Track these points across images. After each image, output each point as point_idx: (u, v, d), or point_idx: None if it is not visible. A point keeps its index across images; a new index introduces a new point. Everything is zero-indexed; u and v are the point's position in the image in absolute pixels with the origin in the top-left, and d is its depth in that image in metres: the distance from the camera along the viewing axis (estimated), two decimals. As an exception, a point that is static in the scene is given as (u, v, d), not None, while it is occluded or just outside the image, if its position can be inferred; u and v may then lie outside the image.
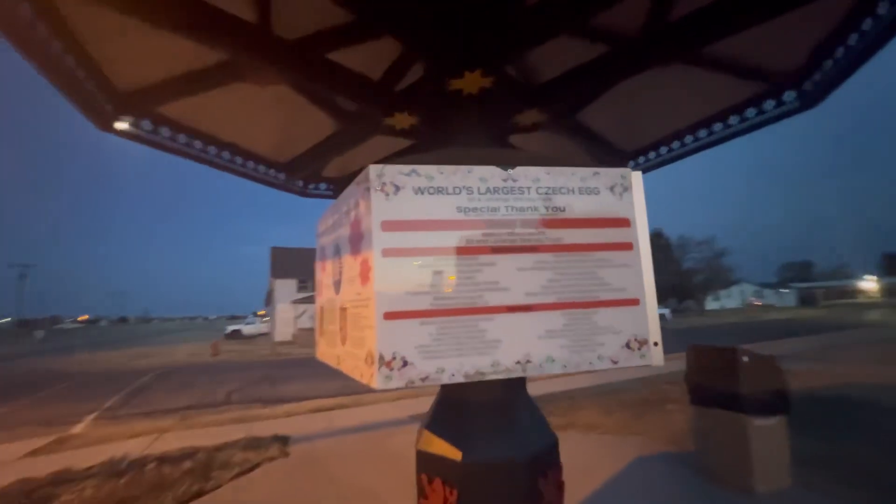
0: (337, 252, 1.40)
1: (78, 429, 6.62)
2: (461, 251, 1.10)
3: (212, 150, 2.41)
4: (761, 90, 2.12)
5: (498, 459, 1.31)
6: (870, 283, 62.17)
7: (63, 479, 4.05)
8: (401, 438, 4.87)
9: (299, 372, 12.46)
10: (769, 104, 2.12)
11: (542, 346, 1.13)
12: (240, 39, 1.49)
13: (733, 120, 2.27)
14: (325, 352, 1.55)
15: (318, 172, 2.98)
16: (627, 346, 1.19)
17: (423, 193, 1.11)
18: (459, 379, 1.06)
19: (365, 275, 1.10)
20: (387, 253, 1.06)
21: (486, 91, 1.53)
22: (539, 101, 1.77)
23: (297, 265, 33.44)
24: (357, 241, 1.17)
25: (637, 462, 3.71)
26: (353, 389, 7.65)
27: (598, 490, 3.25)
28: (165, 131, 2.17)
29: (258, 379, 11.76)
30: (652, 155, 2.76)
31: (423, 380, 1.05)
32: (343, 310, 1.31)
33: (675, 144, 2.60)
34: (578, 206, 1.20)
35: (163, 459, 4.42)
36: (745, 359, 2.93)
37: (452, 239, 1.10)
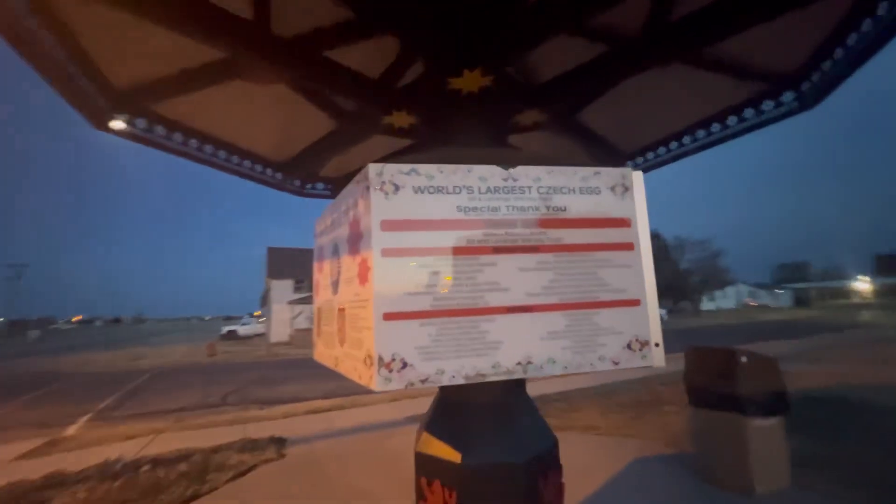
0: (335, 252, 1.38)
1: (71, 430, 6.55)
2: (461, 251, 1.09)
3: (208, 148, 2.39)
4: (760, 91, 2.13)
5: (498, 461, 1.30)
6: (863, 284, 62.77)
7: (56, 482, 4.00)
8: (399, 440, 4.85)
9: (296, 373, 12.40)
10: (767, 105, 2.12)
11: (543, 347, 1.11)
12: (237, 36, 1.48)
13: (731, 121, 2.27)
14: (323, 353, 1.53)
15: (315, 172, 2.96)
16: (629, 347, 1.18)
17: (423, 193, 1.10)
18: (460, 381, 1.05)
19: (364, 275, 1.09)
20: (386, 253, 1.05)
21: (485, 90, 1.52)
22: (539, 101, 1.77)
23: (293, 266, 33.33)
24: (356, 240, 1.15)
25: (636, 463, 3.71)
26: (350, 390, 7.62)
27: (597, 491, 3.25)
28: (161, 130, 2.15)
29: (254, 380, 11.69)
30: (650, 155, 2.76)
31: (422, 381, 1.03)
32: (341, 310, 1.29)
33: (674, 145, 2.61)
34: (579, 205, 1.19)
35: (157, 462, 4.38)
36: (744, 360, 2.94)
37: (453, 239, 1.09)
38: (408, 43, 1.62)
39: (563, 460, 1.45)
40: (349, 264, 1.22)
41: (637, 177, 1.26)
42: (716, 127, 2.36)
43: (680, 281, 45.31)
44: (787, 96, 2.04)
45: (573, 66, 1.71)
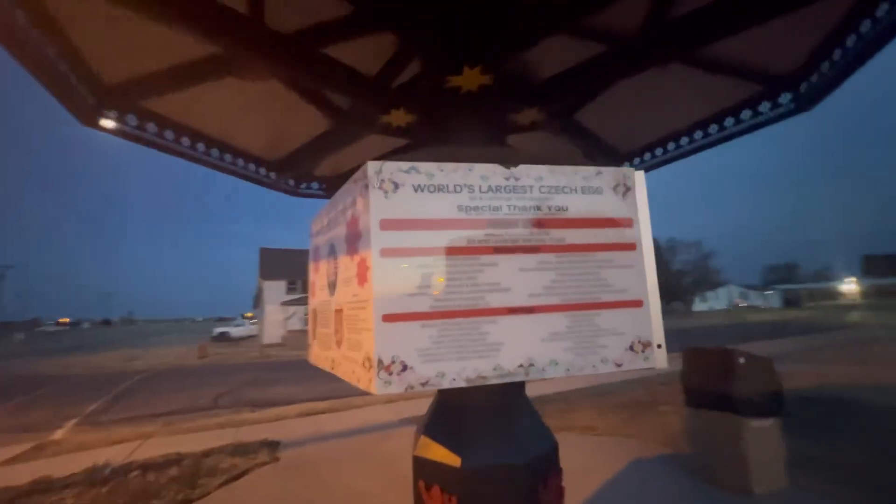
0: (332, 252, 1.35)
1: (58, 435, 6.41)
2: (462, 251, 1.07)
3: (200, 146, 2.34)
4: (757, 92, 2.14)
5: (498, 465, 1.28)
6: (851, 285, 63.89)
7: (42, 487, 3.90)
8: (395, 442, 4.81)
9: (289, 375, 12.29)
10: (765, 106, 2.13)
11: (544, 348, 1.10)
12: (231, 31, 1.44)
13: (729, 122, 2.28)
14: (319, 355, 1.50)
15: (310, 171, 2.92)
16: (631, 348, 1.17)
17: (423, 191, 1.07)
18: (461, 383, 1.03)
19: (362, 275, 1.06)
20: (385, 253, 1.02)
21: (484, 88, 1.50)
22: (537, 100, 1.75)
23: (286, 266, 33.12)
24: (354, 240, 1.13)
25: (634, 464, 3.71)
26: (344, 392, 7.56)
27: (596, 492, 3.24)
28: (152, 127, 2.10)
29: (247, 382, 11.56)
30: (647, 156, 2.76)
31: (423, 384, 1.01)
32: (338, 312, 1.27)
33: (671, 146, 2.61)
34: (581, 205, 1.18)
35: (147, 466, 4.29)
36: (742, 360, 2.95)
37: (453, 238, 1.07)
38: (407, 40, 1.60)
39: (561, 461, 1.43)
40: (347, 264, 1.19)
41: (639, 177, 1.25)
42: (713, 128, 2.36)
43: (672, 282, 45.76)
44: (785, 97, 2.05)
45: (572, 65, 1.70)
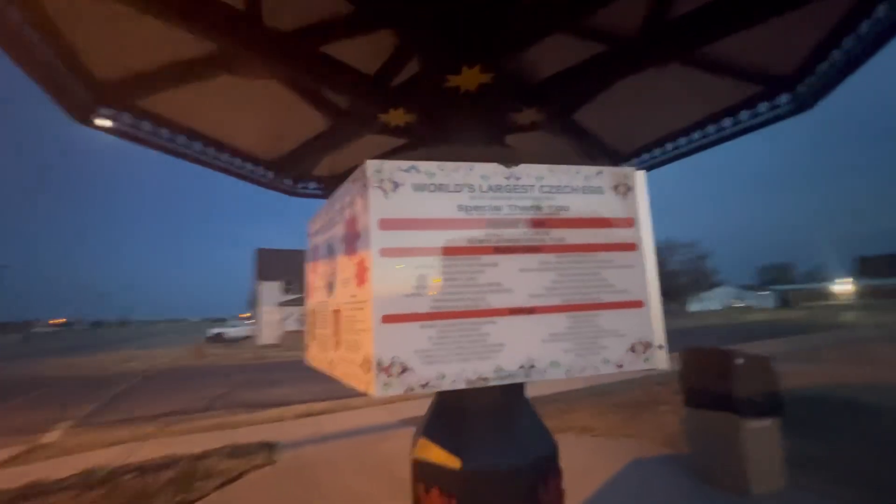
0: (330, 252, 1.34)
1: (52, 437, 6.34)
2: (463, 251, 1.06)
3: (196, 146, 2.32)
4: (755, 93, 2.14)
5: (499, 467, 1.27)
6: (845, 286, 64.40)
7: (35, 491, 3.86)
8: (393, 443, 4.79)
9: (285, 376, 12.23)
10: (763, 107, 2.13)
11: (545, 349, 1.09)
12: (227, 29, 1.42)
13: (727, 122, 2.28)
14: (317, 356, 1.49)
15: (307, 171, 2.90)
16: (632, 349, 1.17)
17: (423, 191, 1.06)
18: (461, 385, 1.02)
19: (361, 276, 1.05)
20: (385, 253, 1.01)
21: (484, 88, 1.49)
22: (537, 100, 1.75)
23: (282, 267, 33.00)
24: (353, 240, 1.11)
25: (633, 464, 3.71)
26: (341, 393, 7.52)
27: (595, 493, 3.24)
28: (147, 125, 2.07)
29: (243, 383, 11.50)
30: (646, 156, 2.76)
31: (423, 386, 1.00)
32: (337, 312, 1.25)
33: (669, 146, 2.61)
34: (582, 205, 1.17)
35: (142, 469, 4.26)
36: (740, 361, 2.96)
37: (453, 238, 1.05)
38: (407, 38, 1.59)
39: (561, 462, 1.42)
40: (345, 265, 1.18)
41: (640, 176, 1.25)
42: (711, 128, 2.36)
43: (667, 282, 45.93)
44: (783, 98, 2.05)
45: (571, 65, 1.69)
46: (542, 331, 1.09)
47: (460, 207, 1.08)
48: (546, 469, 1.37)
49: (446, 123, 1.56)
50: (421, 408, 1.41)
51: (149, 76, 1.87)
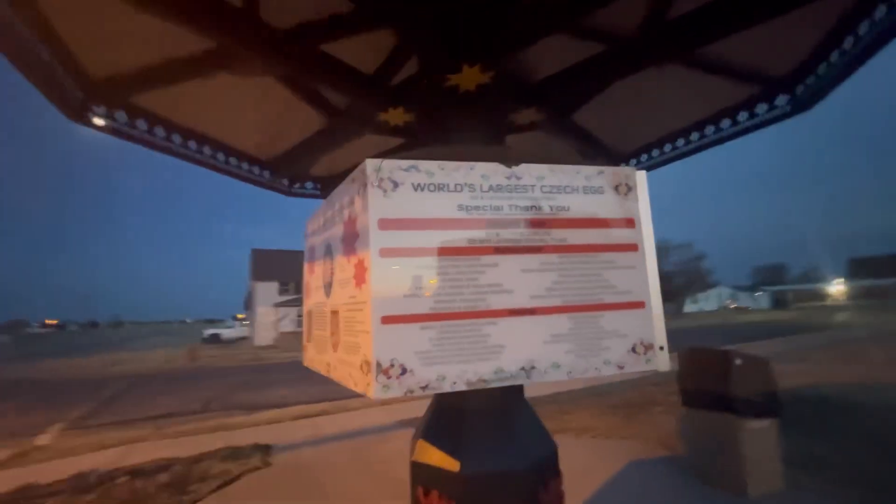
0: (328, 252, 1.32)
1: (44, 440, 6.25)
2: (463, 251, 1.04)
3: (192, 145, 2.29)
4: (754, 94, 2.14)
5: (498, 469, 1.26)
6: (837, 287, 65.15)
7: (26, 495, 3.80)
8: (391, 445, 4.77)
9: (281, 377, 12.17)
10: (761, 108, 2.14)
11: (546, 351, 1.08)
12: (224, 25, 1.40)
13: (725, 123, 2.28)
14: (314, 358, 1.47)
15: (304, 171, 2.88)
16: (633, 350, 1.16)
17: (423, 190, 1.05)
18: (461, 387, 1.00)
19: (360, 276, 1.03)
20: (384, 253, 0.99)
21: (483, 87, 1.48)
22: (536, 100, 1.74)
23: (278, 267, 32.88)
24: (351, 240, 1.10)
25: (631, 466, 3.71)
26: (338, 394, 7.49)
27: (594, 495, 3.23)
28: (142, 124, 2.04)
29: (238, 384, 11.42)
30: (644, 157, 2.77)
31: (423, 388, 0.98)
32: (335, 313, 1.24)
33: (667, 147, 2.62)
34: (583, 205, 1.17)
35: (136, 472, 4.20)
36: (739, 361, 2.96)
37: (454, 238, 1.04)
38: (407, 37, 1.57)
39: (559, 464, 1.41)
40: (344, 265, 1.16)
41: (640, 176, 1.24)
42: (710, 129, 2.37)
43: (663, 283, 46.01)
44: (781, 99, 2.06)
45: (571, 65, 1.68)
46: (543, 332, 1.08)
47: (460, 207, 1.06)
48: (546, 471, 1.35)
49: (445, 123, 1.55)
50: (419, 409, 1.39)
51: (143, 73, 1.84)
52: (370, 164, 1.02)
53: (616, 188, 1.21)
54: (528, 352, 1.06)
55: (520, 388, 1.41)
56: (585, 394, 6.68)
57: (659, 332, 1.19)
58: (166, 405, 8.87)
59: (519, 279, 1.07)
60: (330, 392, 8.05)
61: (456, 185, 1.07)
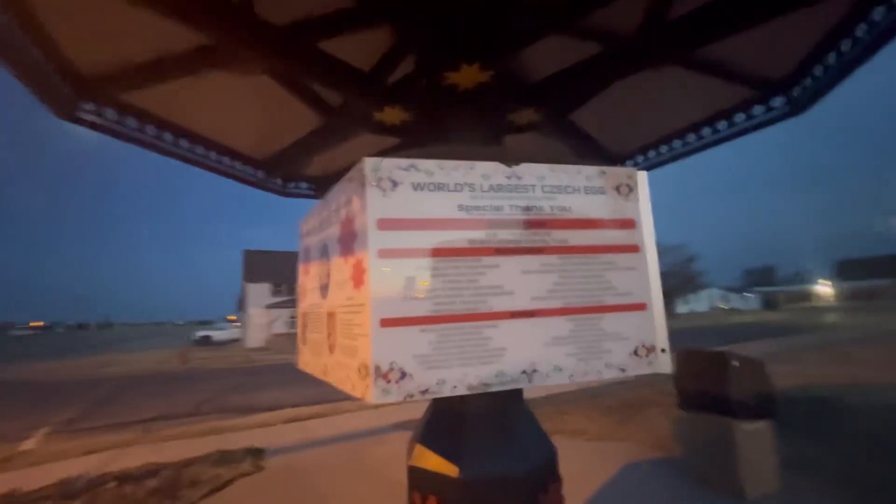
0: (324, 253, 1.29)
1: (30, 444, 6.11)
2: (463, 252, 1.02)
3: (184, 143, 2.24)
4: (751, 95, 2.15)
5: (498, 474, 1.24)
6: (825, 288, 66.27)
7: (11, 501, 3.70)
8: (386, 448, 4.72)
9: (274, 379, 12.04)
10: (758, 109, 2.15)
11: (548, 354, 1.06)
12: (218, 20, 1.37)
13: (722, 125, 2.29)
14: (310, 362, 1.44)
15: (299, 171, 2.84)
16: (635, 353, 1.14)
17: (422, 190, 1.03)
18: (462, 391, 0.98)
19: (358, 278, 1.00)
20: (383, 254, 0.97)
21: (482, 87, 1.47)
22: (535, 99, 1.72)
23: (271, 269, 32.63)
24: (349, 241, 1.07)
25: (627, 468, 3.70)
26: (331, 397, 7.41)
27: (592, 497, 3.21)
28: (132, 121, 2.00)
29: (230, 387, 11.27)
30: (640, 158, 2.77)
31: (422, 392, 0.96)
32: (331, 316, 1.21)
33: (664, 148, 2.62)
34: (584, 205, 1.15)
35: (124, 477, 4.11)
36: (736, 363, 2.96)
37: (454, 239, 1.02)
38: (406, 35, 1.55)
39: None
40: (341, 266, 1.13)
41: (641, 177, 1.23)
42: (706, 131, 2.38)
43: (657, 284, 46.33)
44: (778, 101, 2.07)
45: (570, 65, 1.67)
46: (545, 334, 1.06)
47: (460, 207, 1.04)
48: (546, 476, 1.34)
49: (443, 122, 1.53)
50: (414, 411, 1.36)
51: (134, 70, 1.80)
52: (369, 162, 0.99)
53: (617, 188, 1.20)
54: (529, 355, 1.04)
55: (519, 391, 1.39)
56: (580, 395, 6.68)
57: (661, 335, 1.18)
58: (156, 408, 8.72)
59: (520, 280, 1.06)
60: (323, 394, 7.96)
61: (456, 184, 1.05)
